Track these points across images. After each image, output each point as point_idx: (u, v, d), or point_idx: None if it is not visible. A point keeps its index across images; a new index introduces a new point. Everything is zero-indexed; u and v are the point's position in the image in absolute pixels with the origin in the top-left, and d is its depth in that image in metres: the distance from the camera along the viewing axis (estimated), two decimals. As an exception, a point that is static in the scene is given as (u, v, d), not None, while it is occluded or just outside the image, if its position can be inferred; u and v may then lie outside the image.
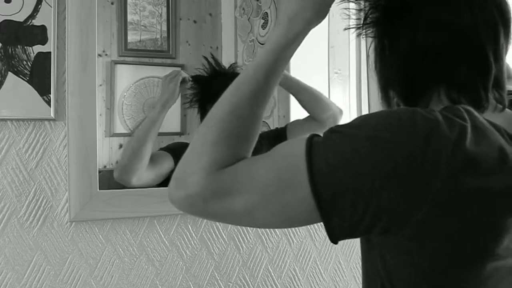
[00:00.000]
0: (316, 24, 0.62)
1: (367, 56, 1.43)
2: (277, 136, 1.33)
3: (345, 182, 0.49)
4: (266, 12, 1.40)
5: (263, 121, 1.34)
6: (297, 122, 1.34)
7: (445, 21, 0.59)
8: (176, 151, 1.18)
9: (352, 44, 1.44)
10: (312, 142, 0.52)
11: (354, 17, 0.67)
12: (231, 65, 1.34)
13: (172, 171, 0.60)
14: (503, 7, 0.60)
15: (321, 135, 0.54)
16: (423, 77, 0.62)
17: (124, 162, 1.12)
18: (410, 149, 0.49)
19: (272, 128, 1.38)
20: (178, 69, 1.23)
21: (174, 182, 0.58)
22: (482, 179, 0.50)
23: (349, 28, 0.67)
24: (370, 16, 0.64)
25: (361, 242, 0.63)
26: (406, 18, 0.61)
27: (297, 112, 1.40)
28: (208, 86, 1.27)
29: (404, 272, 0.55)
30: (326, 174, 0.50)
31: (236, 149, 0.57)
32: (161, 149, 1.20)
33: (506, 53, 0.62)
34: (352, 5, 0.67)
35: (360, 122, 0.54)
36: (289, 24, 0.61)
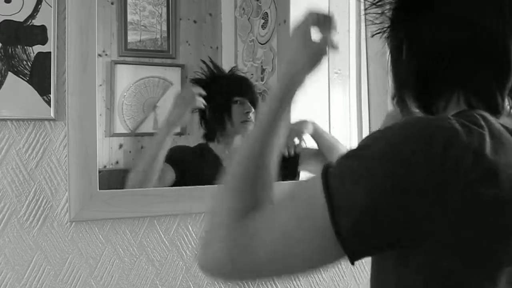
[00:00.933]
0: (310, 72, 0.67)
1: (367, 56, 1.43)
2: (289, 160, 1.32)
3: (365, 204, 0.49)
4: (266, 12, 1.40)
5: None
6: (309, 151, 1.33)
7: (470, 20, 0.58)
8: (175, 160, 1.18)
9: (352, 44, 1.44)
10: (327, 177, 0.51)
11: (375, 21, 0.67)
12: (231, 68, 1.35)
13: (174, 182, 0.62)
14: None
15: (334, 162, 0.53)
16: (440, 77, 0.60)
17: (133, 184, 1.12)
18: (428, 163, 0.48)
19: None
20: (194, 91, 1.22)
21: (202, 250, 0.59)
22: (500, 188, 0.49)
23: (376, 34, 0.67)
24: (393, 16, 0.64)
25: (373, 262, 0.61)
26: (429, 15, 0.60)
27: (297, 112, 1.39)
28: (206, 89, 1.27)
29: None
30: (345, 204, 0.49)
31: (254, 200, 0.58)
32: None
33: None
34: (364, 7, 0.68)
35: (374, 141, 0.52)
36: (287, 72, 0.66)
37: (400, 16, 0.63)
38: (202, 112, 1.27)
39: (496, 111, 0.58)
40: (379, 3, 0.65)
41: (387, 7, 0.64)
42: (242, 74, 1.37)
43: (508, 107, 0.60)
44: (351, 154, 0.53)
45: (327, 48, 0.67)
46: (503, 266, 0.51)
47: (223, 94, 1.29)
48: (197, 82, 1.27)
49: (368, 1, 0.65)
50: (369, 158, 0.50)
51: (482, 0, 0.58)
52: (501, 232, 0.51)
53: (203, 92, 1.21)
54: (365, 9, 0.66)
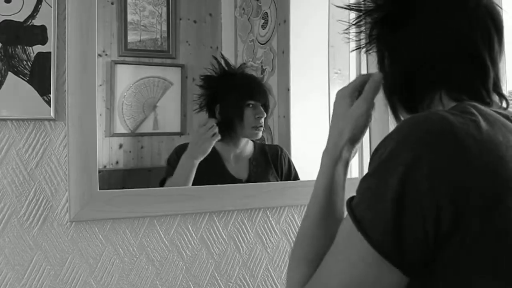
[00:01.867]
0: (356, 142, 0.70)
1: (367, 56, 1.43)
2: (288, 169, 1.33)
3: (393, 217, 0.50)
4: (266, 12, 1.40)
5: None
6: None
7: (443, 26, 0.63)
8: (173, 168, 1.19)
9: (352, 44, 1.44)
10: (353, 210, 0.54)
11: (355, 37, 0.71)
12: (240, 65, 1.34)
13: None
14: (495, 16, 0.64)
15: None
16: (423, 81, 0.64)
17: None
18: (433, 162, 0.50)
19: (271, 127, 1.38)
20: (211, 122, 1.21)
21: None
22: (505, 168, 0.51)
23: (354, 50, 0.73)
24: (373, 33, 0.68)
25: None
26: (408, 28, 0.65)
27: (298, 112, 1.40)
28: (216, 86, 1.27)
29: None
30: (378, 223, 0.51)
31: (314, 267, 0.61)
32: (169, 174, 1.19)
33: (500, 60, 0.65)
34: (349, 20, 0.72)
35: (381, 154, 0.54)
36: (334, 147, 0.69)
37: (380, 31, 0.67)
38: (210, 110, 1.26)
39: (483, 102, 0.61)
40: (358, 23, 0.69)
41: (366, 24, 0.68)
42: (253, 72, 1.36)
43: (498, 102, 0.64)
44: (366, 176, 0.55)
45: (370, 115, 0.70)
46: None
47: (235, 96, 1.29)
48: (207, 79, 1.27)
49: (347, 22, 0.70)
50: (382, 172, 0.53)
51: (453, 14, 0.63)
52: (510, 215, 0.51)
53: (216, 127, 1.21)
54: (344, 31, 0.71)
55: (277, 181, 1.30)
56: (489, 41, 0.63)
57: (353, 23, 0.70)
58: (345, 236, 0.55)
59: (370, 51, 0.70)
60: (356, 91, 0.71)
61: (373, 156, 0.56)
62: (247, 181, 1.25)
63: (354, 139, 0.69)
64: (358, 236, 0.52)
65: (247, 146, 1.30)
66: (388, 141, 0.54)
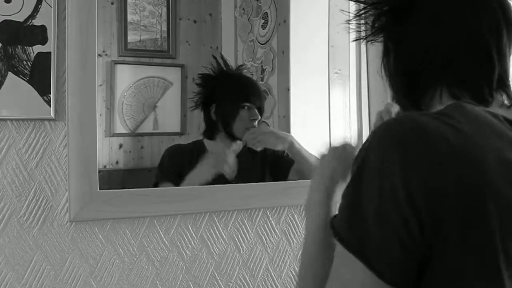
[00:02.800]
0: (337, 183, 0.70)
1: (367, 56, 1.43)
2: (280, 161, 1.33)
3: (373, 224, 0.49)
4: (266, 12, 1.40)
5: (264, 121, 1.34)
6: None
7: (449, 17, 0.60)
8: (171, 172, 1.21)
9: (352, 44, 1.44)
10: (335, 227, 0.53)
11: (357, 27, 0.69)
12: (238, 67, 1.34)
13: None
14: (506, 8, 0.61)
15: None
16: (425, 75, 0.62)
17: None
18: (409, 167, 0.49)
19: (271, 127, 1.38)
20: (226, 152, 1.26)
21: None
22: (481, 172, 0.50)
23: (358, 39, 0.69)
24: (377, 24, 0.66)
25: None
26: (411, 17, 0.63)
27: (298, 112, 1.40)
28: (213, 85, 1.27)
29: None
30: (360, 236, 0.50)
31: None
32: (162, 179, 1.21)
33: (509, 54, 0.62)
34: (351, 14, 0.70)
35: (356, 166, 0.53)
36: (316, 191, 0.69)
37: (385, 21, 0.65)
38: (206, 110, 1.27)
39: (482, 100, 0.59)
40: (363, 14, 0.67)
41: (371, 15, 0.66)
42: (250, 74, 1.37)
43: (501, 99, 0.61)
44: (345, 188, 0.54)
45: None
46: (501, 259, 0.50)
47: (232, 97, 1.30)
48: (205, 78, 1.27)
49: (351, 13, 0.68)
50: (356, 183, 0.52)
51: (460, 2, 0.60)
52: (489, 219, 0.49)
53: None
54: (348, 21, 0.68)
55: (266, 177, 1.30)
56: (498, 32, 0.60)
57: (358, 14, 0.67)
58: (338, 259, 0.54)
59: (372, 42, 0.68)
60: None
61: (352, 165, 0.55)
62: (236, 179, 1.25)
63: (339, 166, 0.69)
64: (350, 257, 0.50)
65: (236, 146, 1.31)
66: (362, 149, 0.53)
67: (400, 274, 0.49)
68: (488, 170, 0.49)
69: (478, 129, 0.51)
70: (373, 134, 0.53)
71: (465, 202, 0.48)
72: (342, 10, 0.70)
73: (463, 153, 0.49)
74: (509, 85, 0.62)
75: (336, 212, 0.57)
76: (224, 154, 1.24)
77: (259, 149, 1.30)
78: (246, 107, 1.28)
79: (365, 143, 0.53)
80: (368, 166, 0.51)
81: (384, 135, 0.52)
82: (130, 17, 1.22)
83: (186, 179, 1.19)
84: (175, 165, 1.22)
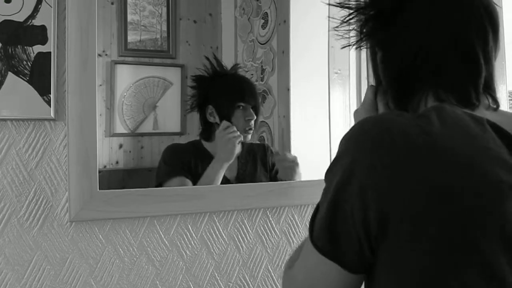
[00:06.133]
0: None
1: (367, 56, 1.43)
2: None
3: (328, 215, 0.53)
4: (266, 12, 1.40)
5: (264, 121, 1.34)
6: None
7: (436, 20, 0.61)
8: (186, 167, 1.22)
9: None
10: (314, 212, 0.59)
11: (347, 34, 0.71)
12: (233, 66, 1.34)
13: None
14: (491, 12, 0.62)
15: None
16: (413, 78, 0.63)
17: None
18: (371, 165, 0.51)
19: (271, 127, 1.38)
20: (233, 128, 1.25)
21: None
22: (448, 172, 0.51)
23: (347, 46, 0.71)
24: (365, 29, 0.67)
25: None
26: (398, 22, 0.63)
27: (298, 112, 1.40)
28: (208, 86, 1.27)
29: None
30: (318, 225, 0.55)
31: None
32: (173, 174, 1.21)
33: (495, 57, 0.63)
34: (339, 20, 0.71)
35: (332, 160, 0.57)
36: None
37: (372, 27, 0.66)
38: (202, 110, 1.27)
39: (468, 103, 0.59)
40: (349, 20, 0.68)
41: (357, 20, 0.67)
42: (245, 73, 1.37)
43: (487, 102, 0.62)
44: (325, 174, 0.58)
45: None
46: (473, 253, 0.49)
47: (227, 97, 1.29)
48: (199, 79, 1.27)
49: (338, 19, 0.69)
50: (329, 175, 0.56)
51: (447, 8, 0.61)
52: (457, 218, 0.49)
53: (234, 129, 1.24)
54: (335, 28, 0.69)
55: (266, 177, 1.30)
56: (484, 36, 0.61)
57: (344, 20, 0.68)
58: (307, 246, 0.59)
59: (361, 48, 0.69)
60: (370, 107, 0.71)
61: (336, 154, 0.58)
62: (236, 179, 1.25)
63: None
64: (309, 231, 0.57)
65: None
66: (340, 142, 0.56)
67: (345, 258, 0.53)
68: (449, 171, 0.48)
69: (454, 131, 0.51)
70: (351, 130, 0.56)
71: (418, 202, 0.48)
72: (331, 17, 0.72)
73: (436, 154, 0.49)
74: (494, 89, 0.63)
75: None
76: (224, 146, 1.23)
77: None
78: (241, 107, 1.28)
79: (344, 136, 0.56)
80: (338, 159, 0.54)
81: (356, 133, 0.54)
82: (130, 17, 1.22)
83: (202, 177, 1.20)
84: (182, 161, 1.22)
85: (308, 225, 0.59)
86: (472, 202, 0.48)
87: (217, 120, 1.27)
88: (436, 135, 0.50)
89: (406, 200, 0.48)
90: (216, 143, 1.26)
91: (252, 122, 1.28)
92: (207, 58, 1.28)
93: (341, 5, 0.69)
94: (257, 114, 1.30)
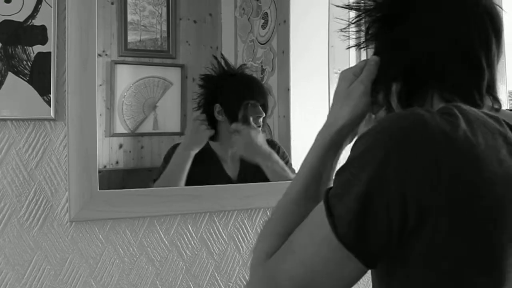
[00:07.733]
0: (353, 127, 0.69)
1: (367, 56, 1.43)
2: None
3: (357, 210, 0.51)
4: (266, 12, 1.40)
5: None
6: None
7: (440, 25, 0.62)
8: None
9: (350, 42, 1.44)
10: (328, 198, 0.55)
11: (353, 36, 0.71)
12: (240, 66, 1.34)
13: None
14: (494, 17, 0.63)
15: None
16: (417, 81, 0.64)
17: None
18: (407, 159, 0.50)
19: (272, 129, 1.38)
20: (203, 115, 1.25)
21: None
22: (479, 170, 0.51)
23: (351, 48, 0.72)
24: (370, 30, 0.68)
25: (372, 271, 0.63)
26: (404, 25, 0.64)
27: (298, 112, 1.40)
28: (216, 86, 1.27)
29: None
30: (344, 216, 0.52)
31: (282, 241, 0.62)
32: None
33: (497, 62, 0.64)
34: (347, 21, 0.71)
35: (356, 149, 0.55)
36: (327, 128, 0.68)
37: (379, 29, 0.67)
38: (208, 110, 1.26)
39: (473, 104, 0.60)
40: (357, 22, 0.69)
41: (365, 23, 0.68)
42: (251, 73, 1.37)
43: (490, 104, 0.63)
44: (342, 167, 0.56)
45: (369, 100, 0.69)
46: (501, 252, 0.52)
47: (236, 96, 1.29)
48: (207, 78, 1.27)
49: (346, 21, 0.70)
50: (355, 166, 0.54)
51: (452, 12, 0.62)
52: (484, 216, 0.51)
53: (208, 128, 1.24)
54: (342, 29, 0.70)
55: (266, 178, 1.30)
56: (487, 42, 0.62)
57: (353, 21, 0.69)
58: (316, 220, 0.56)
59: (367, 48, 0.70)
60: (360, 71, 0.69)
61: (352, 148, 0.56)
62: (238, 178, 1.25)
63: (351, 124, 0.68)
64: (326, 224, 0.53)
65: None
66: (366, 136, 0.55)
67: (366, 252, 0.52)
68: (485, 168, 0.51)
69: (475, 128, 0.53)
70: (380, 124, 0.54)
71: (457, 197, 0.50)
72: (338, 18, 0.72)
73: (463, 149, 0.51)
74: (496, 90, 0.64)
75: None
76: (192, 134, 1.23)
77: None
78: (249, 105, 1.28)
79: (371, 130, 0.55)
80: (367, 152, 0.53)
81: (388, 126, 0.53)
82: (130, 17, 1.22)
83: (164, 173, 1.18)
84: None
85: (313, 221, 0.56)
86: (504, 194, 0.51)
87: (226, 118, 1.26)
88: (465, 131, 0.51)
89: (445, 194, 0.49)
90: (222, 142, 1.26)
91: (261, 120, 1.29)
92: (215, 58, 1.28)
93: (350, 7, 0.70)
94: (266, 112, 1.30)
